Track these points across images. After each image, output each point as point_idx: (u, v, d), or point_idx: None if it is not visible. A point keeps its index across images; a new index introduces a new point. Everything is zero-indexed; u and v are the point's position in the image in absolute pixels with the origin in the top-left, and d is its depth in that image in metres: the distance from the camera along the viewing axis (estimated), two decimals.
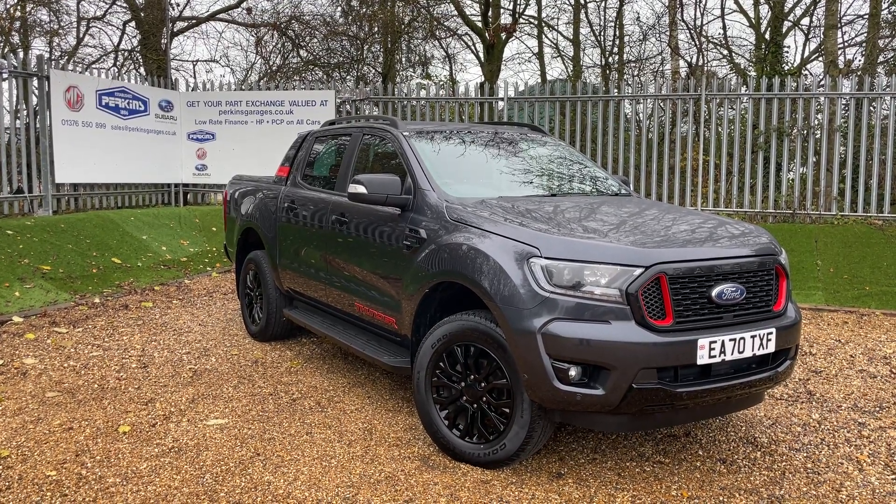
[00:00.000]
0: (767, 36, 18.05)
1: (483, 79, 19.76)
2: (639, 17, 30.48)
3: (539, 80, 22.33)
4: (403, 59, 22.32)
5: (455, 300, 3.89)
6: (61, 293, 7.41)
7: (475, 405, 3.59)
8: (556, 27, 23.42)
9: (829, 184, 10.35)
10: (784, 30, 18.36)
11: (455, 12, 19.76)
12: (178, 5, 18.15)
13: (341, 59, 21.71)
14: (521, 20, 21.93)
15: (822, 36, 17.73)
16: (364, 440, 3.91)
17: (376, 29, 20.50)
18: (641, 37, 22.85)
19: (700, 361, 3.24)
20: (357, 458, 3.67)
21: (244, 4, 20.31)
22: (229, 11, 20.99)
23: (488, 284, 3.42)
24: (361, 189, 4.16)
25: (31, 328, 6.17)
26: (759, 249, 3.62)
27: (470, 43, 22.93)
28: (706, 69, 20.00)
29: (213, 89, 12.99)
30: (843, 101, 10.19)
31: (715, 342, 3.26)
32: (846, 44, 19.18)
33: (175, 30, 19.88)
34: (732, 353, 3.32)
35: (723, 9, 21.55)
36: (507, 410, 3.46)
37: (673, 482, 3.48)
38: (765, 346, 3.43)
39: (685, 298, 3.29)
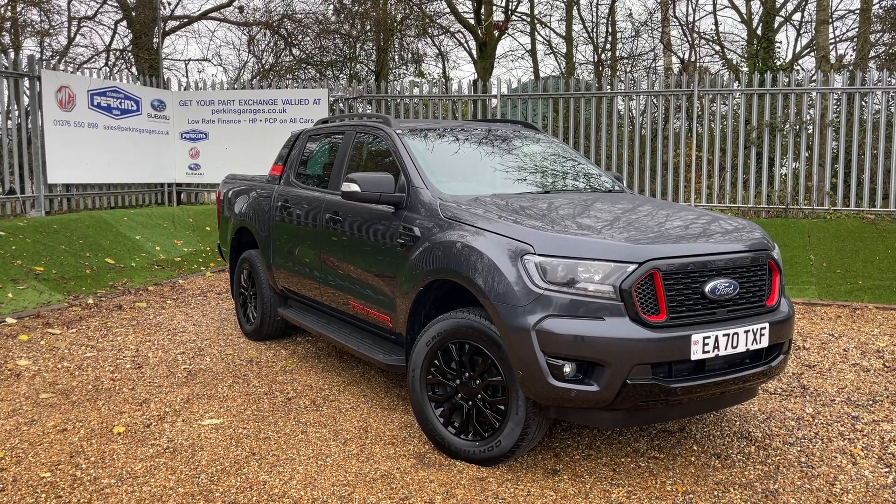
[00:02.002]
0: (759, 32, 18.10)
1: (476, 76, 19.76)
2: (631, 14, 30.52)
3: (532, 77, 22.34)
4: (396, 57, 22.27)
5: (449, 298, 3.90)
6: (55, 294, 7.38)
7: (470, 402, 3.59)
8: (548, 24, 23.39)
9: (822, 178, 10.39)
10: (776, 25, 18.41)
11: (447, 10, 19.75)
12: (169, 4, 18.09)
13: (334, 57, 21.64)
14: (514, 17, 21.90)
15: (813, 31, 17.77)
16: (359, 438, 3.91)
17: (369, 27, 20.46)
18: (634, 33, 22.88)
19: (694, 357, 3.25)
20: (352, 457, 3.67)
21: (236, 3, 20.23)
22: (221, 10, 20.92)
23: (482, 282, 3.42)
24: (355, 187, 4.16)
25: (25, 329, 6.15)
26: (752, 244, 3.63)
27: (463, 40, 22.91)
28: (699, 65, 20.04)
29: (205, 88, 12.94)
30: (835, 96, 10.22)
31: (708, 337, 3.27)
32: (838, 39, 19.28)
33: (167, 29, 19.79)
34: (726, 349, 3.33)
35: (715, 5, 21.65)
36: (503, 407, 3.46)
37: (668, 477, 3.50)
38: (758, 340, 3.45)
39: (679, 294, 3.30)
